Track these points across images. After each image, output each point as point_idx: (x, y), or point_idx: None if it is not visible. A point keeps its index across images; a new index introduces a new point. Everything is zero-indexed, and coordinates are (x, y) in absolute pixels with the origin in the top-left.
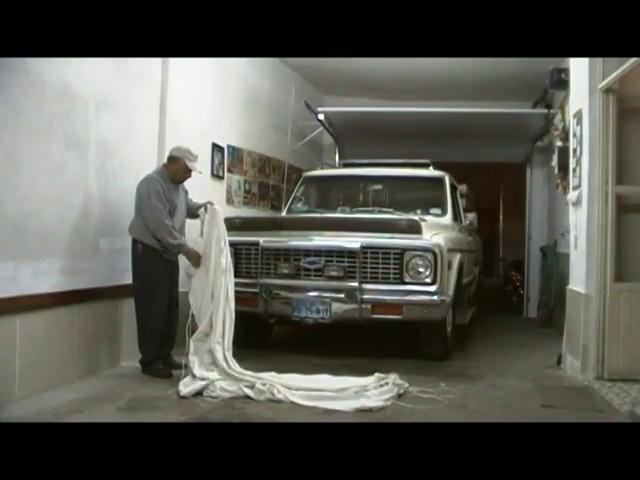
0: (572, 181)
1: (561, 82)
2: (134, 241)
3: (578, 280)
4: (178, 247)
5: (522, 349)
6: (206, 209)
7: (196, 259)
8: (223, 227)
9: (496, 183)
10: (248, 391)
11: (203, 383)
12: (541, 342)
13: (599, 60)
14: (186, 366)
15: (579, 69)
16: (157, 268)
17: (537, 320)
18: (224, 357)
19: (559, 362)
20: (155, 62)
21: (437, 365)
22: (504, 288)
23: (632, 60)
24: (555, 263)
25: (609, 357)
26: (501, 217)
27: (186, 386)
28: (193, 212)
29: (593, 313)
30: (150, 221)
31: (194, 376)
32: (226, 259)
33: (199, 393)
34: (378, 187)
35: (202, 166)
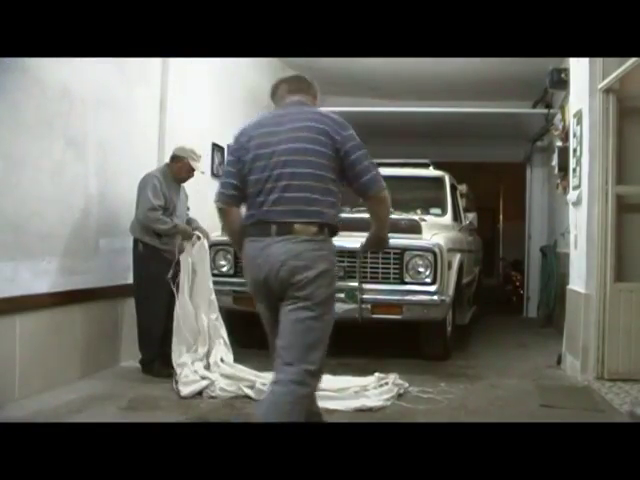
0: (572, 181)
1: (561, 82)
2: (135, 240)
3: (578, 280)
4: (172, 229)
5: (522, 349)
6: (197, 236)
7: (188, 234)
8: (208, 265)
9: (496, 183)
10: (248, 391)
11: (204, 383)
12: (541, 342)
13: (599, 60)
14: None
15: (579, 69)
16: (158, 268)
17: (537, 320)
18: (220, 360)
19: (559, 362)
20: (155, 62)
21: (437, 365)
22: (504, 288)
23: (632, 60)
24: (555, 263)
25: (609, 357)
26: (501, 217)
27: (187, 386)
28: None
29: (593, 313)
30: (140, 213)
31: (195, 371)
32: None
33: (199, 393)
34: None
35: (201, 161)
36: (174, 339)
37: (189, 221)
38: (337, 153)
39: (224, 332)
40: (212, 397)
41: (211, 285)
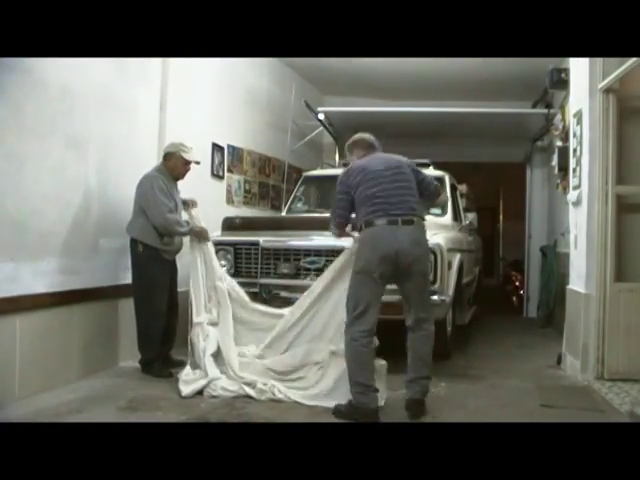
0: (572, 181)
1: (561, 82)
2: (134, 241)
3: (578, 280)
4: (188, 232)
5: (522, 349)
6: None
7: (205, 234)
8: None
9: (496, 183)
10: (249, 391)
11: (203, 382)
12: (541, 342)
13: (599, 60)
14: (181, 363)
15: (579, 69)
16: (157, 268)
17: (537, 320)
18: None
19: (559, 362)
20: (155, 62)
21: (437, 365)
22: (504, 288)
23: (632, 60)
24: (555, 263)
25: (609, 357)
26: (501, 217)
27: (187, 385)
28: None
29: (593, 313)
30: (157, 217)
31: (198, 366)
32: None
33: (200, 392)
34: None
35: (202, 163)
36: (192, 301)
37: (184, 202)
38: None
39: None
40: (213, 397)
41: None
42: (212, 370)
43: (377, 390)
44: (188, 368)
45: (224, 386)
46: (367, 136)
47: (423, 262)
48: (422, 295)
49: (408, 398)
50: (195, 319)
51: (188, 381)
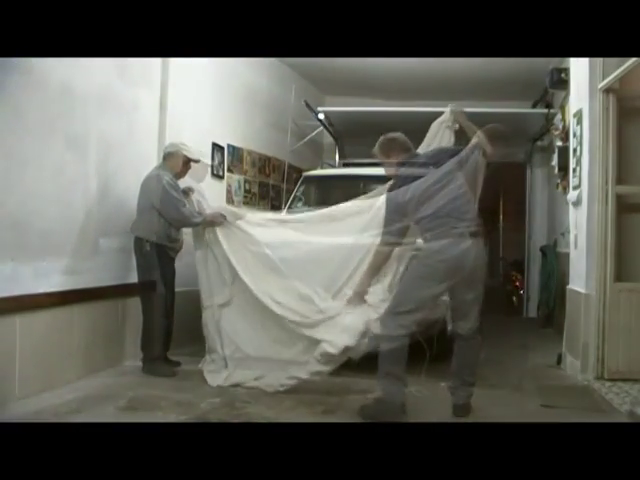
0: (572, 181)
1: (561, 82)
2: (139, 240)
3: (578, 280)
4: (202, 222)
5: (522, 349)
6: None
7: (219, 217)
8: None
9: (496, 183)
10: (314, 367)
11: (225, 374)
12: (541, 342)
13: (599, 60)
14: (178, 363)
15: (579, 69)
16: (164, 266)
17: (537, 320)
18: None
19: (559, 362)
20: (155, 62)
21: (437, 365)
22: (504, 288)
23: (632, 60)
24: (555, 263)
25: (609, 357)
26: (501, 217)
27: (214, 378)
28: None
29: (593, 313)
30: (174, 212)
31: (214, 350)
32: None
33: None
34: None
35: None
36: (201, 287)
37: (187, 190)
38: None
39: None
40: (230, 386)
41: None
42: (231, 361)
43: (406, 386)
44: (208, 357)
45: (269, 382)
46: (403, 136)
47: (483, 274)
48: (476, 306)
49: (454, 404)
50: (205, 302)
51: (212, 371)
